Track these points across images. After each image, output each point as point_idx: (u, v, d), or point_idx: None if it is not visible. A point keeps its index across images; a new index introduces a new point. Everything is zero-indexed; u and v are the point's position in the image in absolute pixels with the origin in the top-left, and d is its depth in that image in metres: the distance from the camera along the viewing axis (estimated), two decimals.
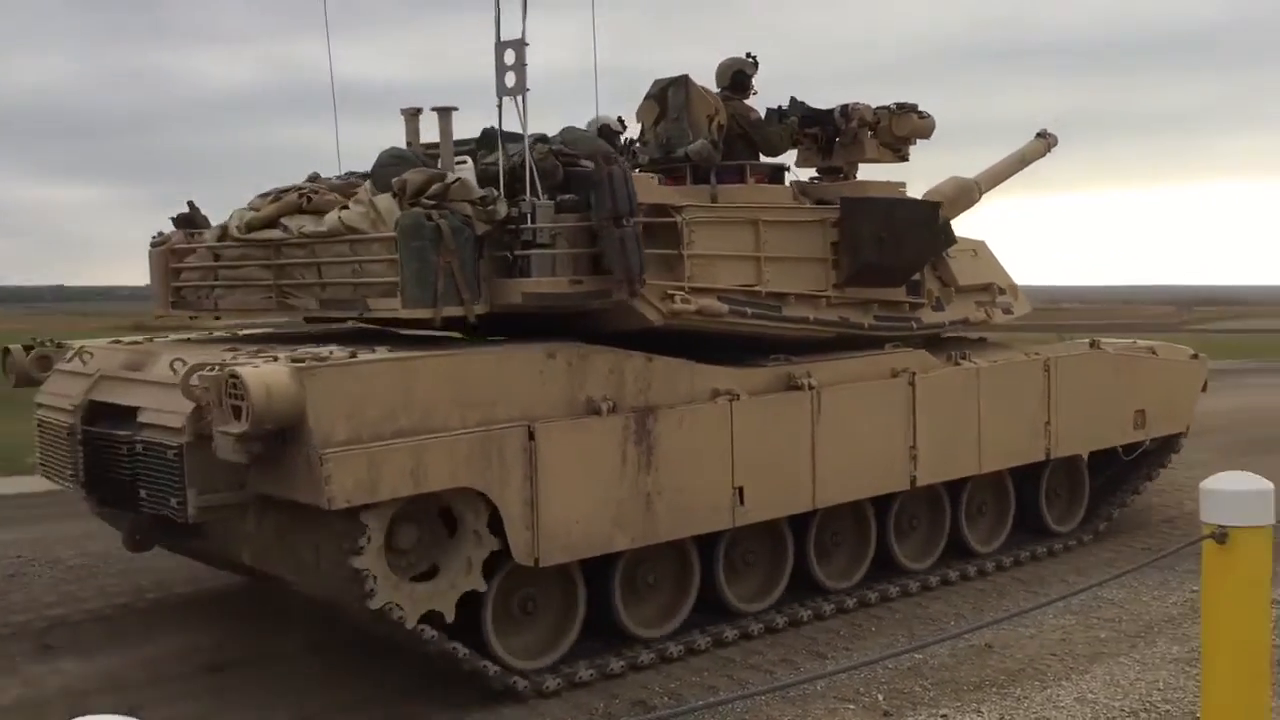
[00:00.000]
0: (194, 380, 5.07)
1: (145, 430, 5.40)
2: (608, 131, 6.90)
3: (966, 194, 8.06)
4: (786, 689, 5.35)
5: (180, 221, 7.04)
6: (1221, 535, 3.97)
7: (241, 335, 6.98)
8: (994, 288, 8.13)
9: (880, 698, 5.32)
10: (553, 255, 5.58)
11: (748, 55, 7.36)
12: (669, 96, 6.91)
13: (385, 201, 5.69)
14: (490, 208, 5.49)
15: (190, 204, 7.05)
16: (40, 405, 6.43)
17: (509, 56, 5.48)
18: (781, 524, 6.48)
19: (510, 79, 5.47)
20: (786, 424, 6.32)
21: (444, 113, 5.94)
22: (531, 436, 5.33)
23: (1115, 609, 6.58)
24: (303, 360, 4.91)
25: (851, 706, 5.24)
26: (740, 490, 6.10)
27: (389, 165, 6.01)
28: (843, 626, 6.45)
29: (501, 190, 5.55)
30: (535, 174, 5.57)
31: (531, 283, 5.56)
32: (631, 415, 5.70)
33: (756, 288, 6.44)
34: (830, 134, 7.67)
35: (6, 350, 6.92)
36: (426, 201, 5.48)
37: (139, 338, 6.87)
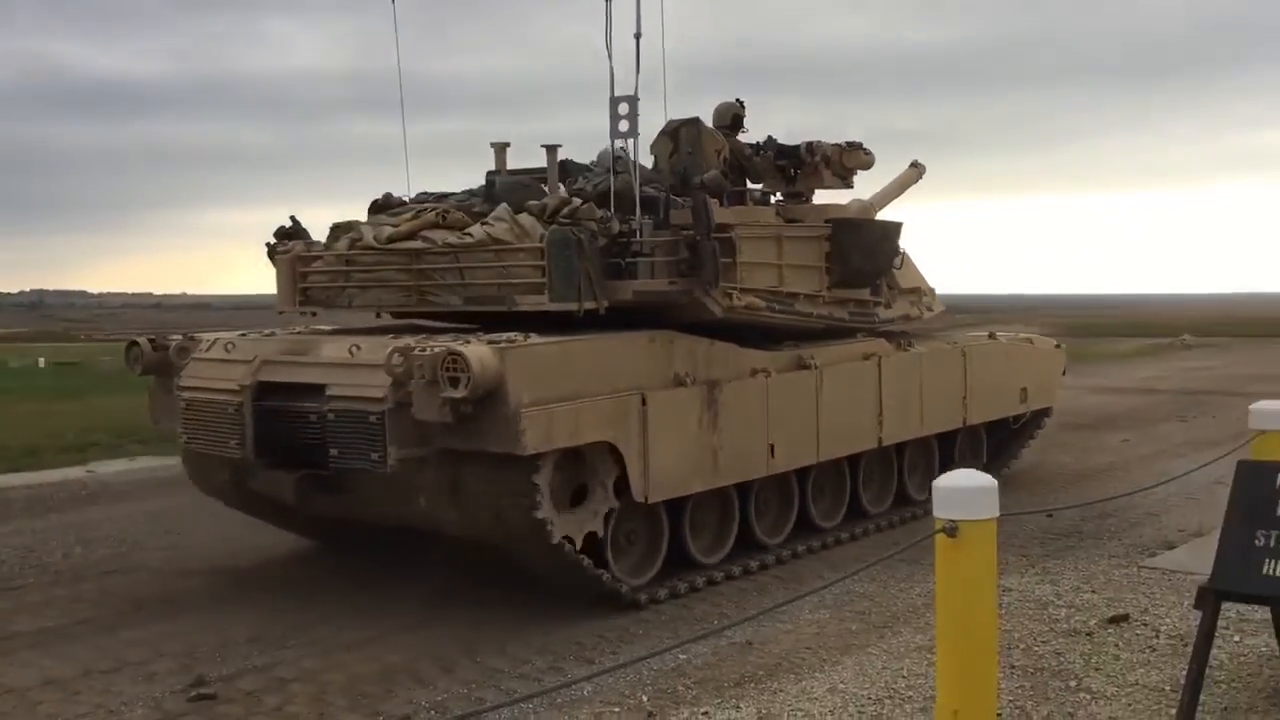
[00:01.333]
0: (395, 359, 6.32)
1: (337, 401, 6.63)
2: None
3: (867, 214, 9.61)
4: (553, 695, 5.39)
5: (283, 233, 8.39)
6: (952, 529, 4.26)
7: (377, 326, 8.27)
8: (920, 290, 10.22)
9: (645, 699, 5.43)
10: (652, 262, 7.30)
11: (737, 100, 9.15)
12: (682, 134, 8.63)
13: (526, 219, 7.23)
14: (607, 225, 7.13)
15: (293, 218, 8.50)
16: (185, 389, 7.45)
17: (623, 108, 7.15)
18: (790, 475, 8.21)
19: (624, 125, 7.17)
20: (800, 396, 8.16)
21: (551, 149, 7.71)
22: (644, 402, 6.92)
23: (866, 601, 6.92)
24: (499, 342, 6.36)
25: (617, 709, 5.33)
26: (772, 446, 7.87)
27: (513, 190, 7.75)
28: (609, 631, 6.54)
29: (613, 210, 7.22)
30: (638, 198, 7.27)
31: (640, 283, 7.24)
32: (704, 386, 7.38)
33: (779, 289, 8.23)
34: (795, 165, 9.20)
35: (134, 343, 8.01)
36: (563, 220, 7.10)
37: (274, 331, 8.02)
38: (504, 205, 7.48)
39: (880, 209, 9.90)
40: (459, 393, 6.11)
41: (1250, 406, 7.02)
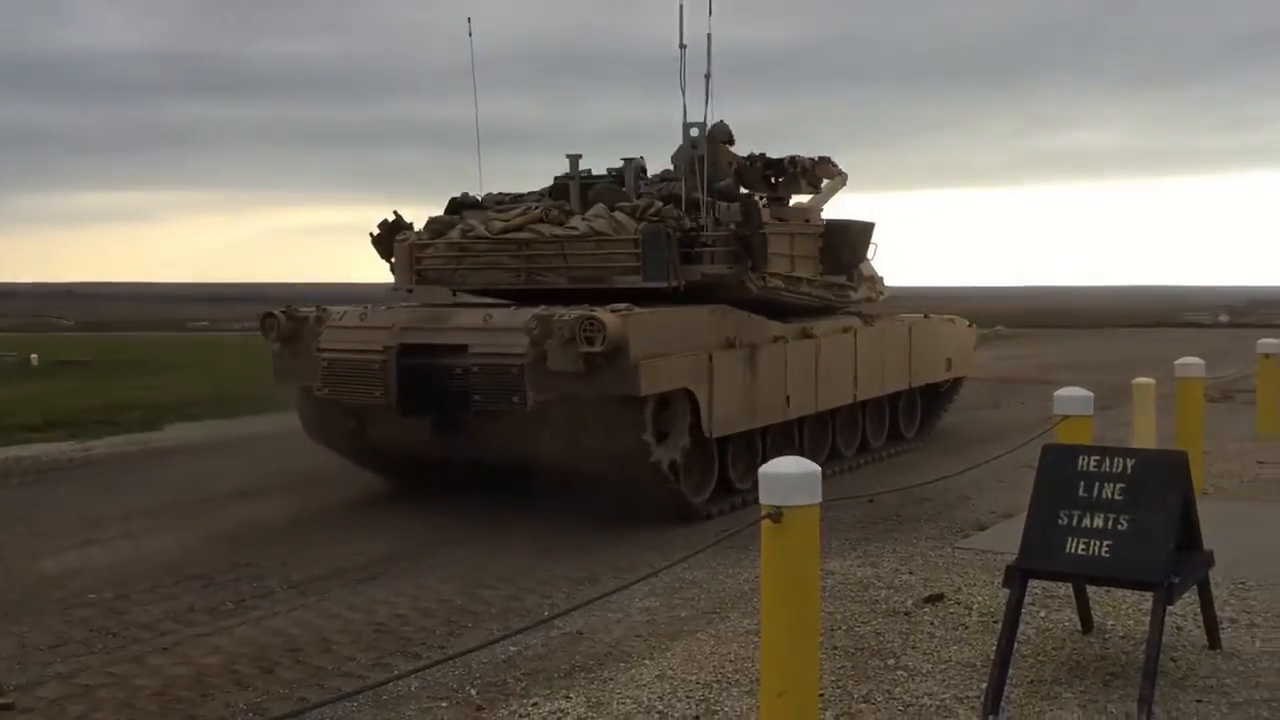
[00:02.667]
0: (533, 324, 8.35)
1: (480, 357, 8.66)
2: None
3: (815, 215, 11.44)
4: (379, 692, 5.27)
5: (387, 226, 10.56)
6: (777, 514, 4.33)
7: (488, 302, 10.21)
8: (874, 278, 12.50)
9: (474, 692, 5.36)
10: (713, 251, 9.59)
11: (722, 121, 10.65)
12: (692, 146, 10.10)
13: (622, 216, 9.45)
14: (681, 222, 9.38)
15: (396, 213, 10.60)
16: (326, 350, 9.36)
17: (693, 131, 9.82)
18: (793, 422, 10.39)
19: (694, 145, 9.79)
20: (806, 359, 10.41)
21: (628, 162, 10.33)
22: (710, 360, 9.05)
23: (695, 588, 7.00)
24: (619, 310, 8.36)
25: (444, 704, 5.24)
26: (788, 398, 10.13)
27: (605, 193, 10.00)
28: (438, 626, 6.44)
29: (684, 210, 9.52)
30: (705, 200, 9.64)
31: (705, 268, 9.53)
32: (746, 349, 9.54)
33: (792, 274, 10.61)
34: (779, 174, 10.83)
35: (270, 314, 9.70)
36: (652, 217, 9.34)
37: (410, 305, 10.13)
38: (600, 204, 9.72)
39: (819, 211, 11.64)
40: (596, 348, 8.10)
41: (1055, 393, 7.40)
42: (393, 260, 10.56)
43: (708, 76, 9.47)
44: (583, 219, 9.57)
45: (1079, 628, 5.67)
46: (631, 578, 6.80)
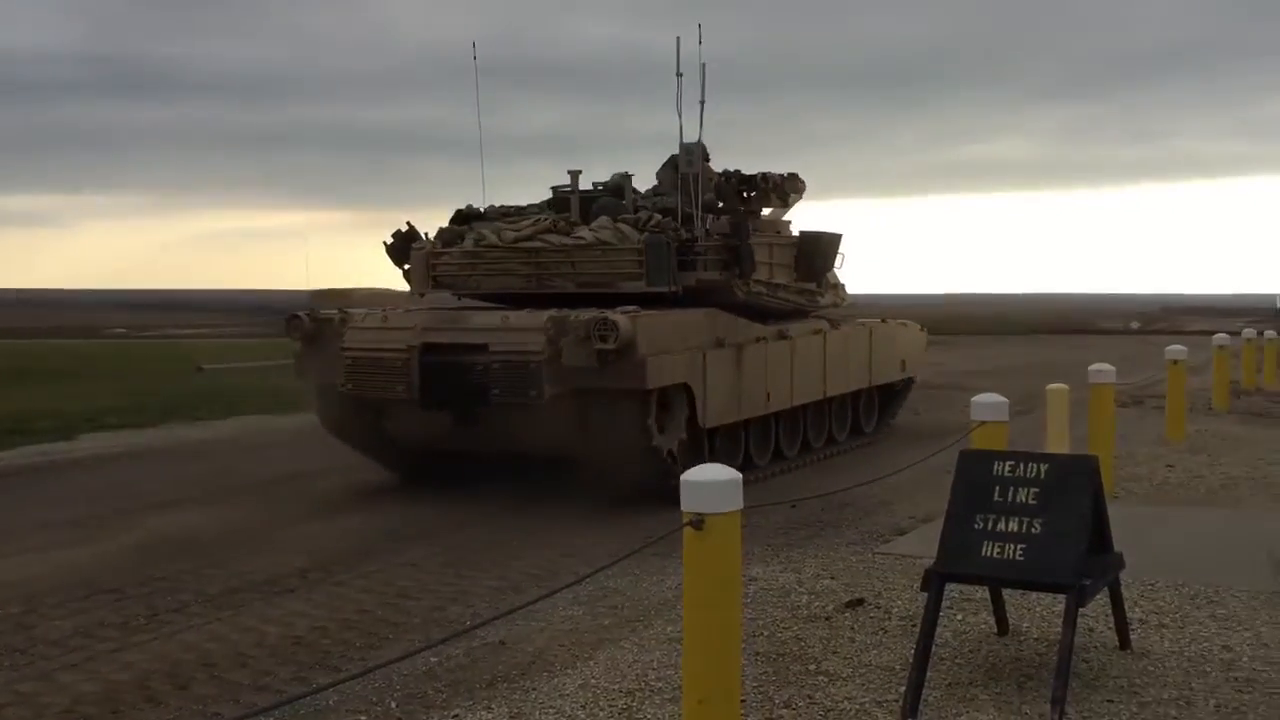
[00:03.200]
0: (549, 324, 9.33)
1: (499, 355, 9.44)
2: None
3: (782, 226, 12.56)
4: (296, 706, 5.18)
5: (400, 236, 11.54)
6: (698, 522, 4.34)
7: (499, 304, 11.05)
8: (838, 285, 13.64)
9: (393, 704, 5.29)
10: (705, 259, 10.57)
11: (700, 141, 11.17)
12: (676, 163, 11.22)
13: (625, 228, 10.53)
14: (677, 232, 10.42)
15: (409, 224, 11.62)
16: (350, 349, 10.15)
17: (689, 152, 10.83)
18: (771, 416, 11.49)
19: (689, 164, 10.77)
20: (783, 358, 11.50)
21: (627, 176, 11.45)
22: (704, 357, 10.08)
23: (620, 596, 6.99)
24: (628, 312, 9.35)
25: (364, 717, 5.17)
26: (768, 393, 11.22)
27: (608, 207, 10.99)
28: (358, 638, 6.36)
29: (679, 221, 10.58)
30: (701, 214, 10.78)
31: (699, 274, 10.53)
32: (734, 349, 10.58)
33: (771, 280, 11.65)
34: (750, 189, 12.05)
35: (296, 316, 10.56)
36: (653, 229, 10.39)
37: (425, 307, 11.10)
38: (605, 217, 10.76)
39: (787, 221, 12.74)
40: (609, 345, 9.10)
41: (972, 400, 7.52)
42: (405, 267, 11.61)
43: (701, 102, 10.52)
44: (590, 230, 10.69)
45: (995, 630, 5.77)
46: (555, 585, 6.77)
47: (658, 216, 10.62)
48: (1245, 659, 5.35)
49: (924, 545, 7.30)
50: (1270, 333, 24.44)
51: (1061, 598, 4.93)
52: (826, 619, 6.18)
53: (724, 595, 4.42)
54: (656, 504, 8.87)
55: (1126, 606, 5.68)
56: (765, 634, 5.93)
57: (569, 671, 5.59)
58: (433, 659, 5.84)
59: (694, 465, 9.43)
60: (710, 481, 4.36)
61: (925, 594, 5.04)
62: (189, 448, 13.90)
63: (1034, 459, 5.16)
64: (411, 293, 11.58)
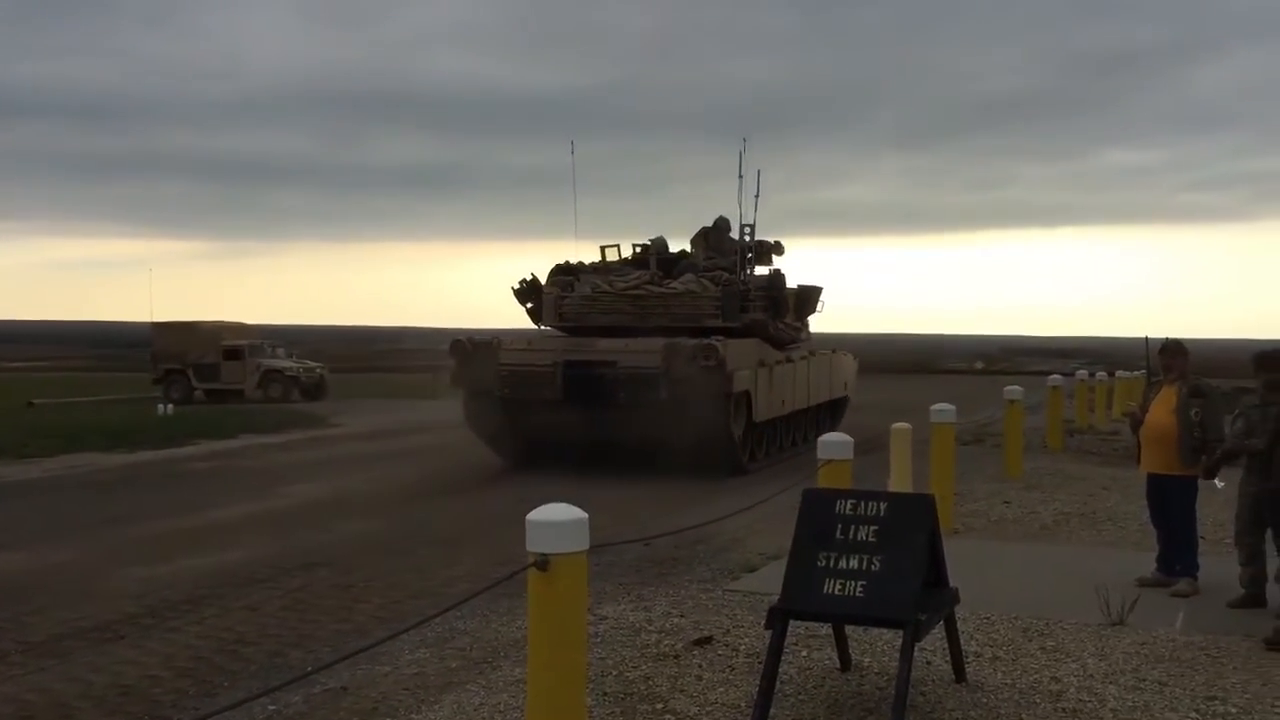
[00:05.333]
0: (665, 348, 13.83)
1: (625, 369, 13.85)
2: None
3: (780, 280, 17.31)
4: None
5: (525, 284, 16.46)
6: (543, 562, 4.31)
7: (599, 337, 15.05)
8: (806, 322, 18.62)
9: None
10: (753, 304, 15.57)
11: (723, 215, 17.17)
12: (710, 234, 17.04)
13: (705, 280, 15.71)
14: (737, 284, 15.61)
15: (533, 274, 16.49)
16: (507, 365, 14.41)
17: (740, 222, 16.43)
18: (778, 419, 16.24)
19: (740, 233, 16.50)
20: (789, 376, 16.25)
21: (700, 235, 17.41)
22: (755, 373, 14.85)
23: (468, 637, 6.87)
24: (719, 340, 14.02)
25: None
26: (783, 400, 15.92)
27: (689, 267, 16.27)
28: (192, 686, 6.09)
29: (739, 274, 16.10)
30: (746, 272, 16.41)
31: (750, 316, 15.50)
32: (769, 367, 15.44)
33: (782, 320, 16.52)
34: (753, 252, 16.53)
35: (458, 340, 14.76)
36: (725, 283, 15.61)
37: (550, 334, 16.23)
38: (689, 274, 15.94)
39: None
40: (710, 363, 13.61)
41: (819, 439, 7.68)
42: (528, 306, 16.48)
43: (757, 195, 16.10)
44: (679, 283, 15.80)
45: (838, 666, 5.87)
46: (401, 627, 6.63)
47: (724, 273, 15.87)
48: (1072, 690, 5.56)
49: (773, 582, 7.37)
50: (1102, 374, 25.59)
51: (901, 632, 5.04)
52: (675, 657, 6.19)
53: (569, 636, 4.39)
54: (519, 540, 8.77)
55: (963, 639, 5.85)
56: (614, 673, 5.91)
57: (413, 717, 5.45)
58: (270, 707, 5.63)
59: (751, 450, 15.34)
60: (556, 521, 4.32)
61: (770, 631, 5.09)
62: (12, 487, 13.18)
63: (874, 498, 5.29)
64: (543, 326, 16.55)
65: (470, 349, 14.54)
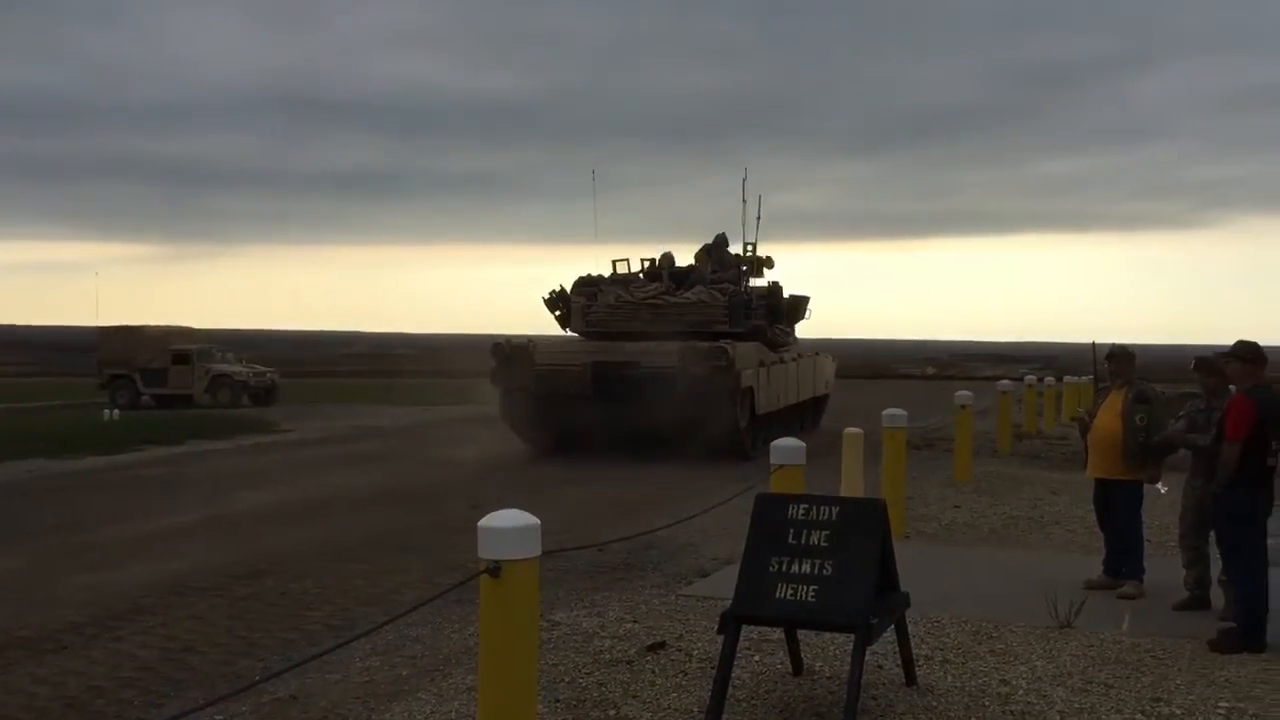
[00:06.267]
0: (680, 349, 16.19)
1: (648, 368, 16.04)
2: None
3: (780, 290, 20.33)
4: None
5: (554, 294, 18.70)
6: (495, 569, 4.28)
7: (597, 341, 17.64)
8: (794, 328, 20.68)
9: None
10: (755, 311, 18.34)
11: (723, 232, 19.77)
12: (711, 250, 19.23)
13: (714, 291, 18.00)
14: (742, 294, 18.23)
15: (561, 286, 18.77)
16: (542, 364, 16.56)
17: (748, 245, 19.63)
18: (775, 413, 18.07)
19: (743, 249, 19.72)
20: (784, 374, 18.59)
21: (705, 250, 19.58)
22: (757, 372, 17.04)
23: (419, 645, 6.82)
24: (728, 344, 16.37)
25: None
26: (778, 396, 18.12)
27: (699, 280, 18.52)
28: (137, 697, 5.99)
29: (740, 286, 18.78)
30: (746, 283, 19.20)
31: (753, 322, 18.21)
32: (767, 367, 17.67)
33: (778, 325, 19.39)
34: (748, 265, 19.20)
35: (499, 343, 16.75)
36: (732, 293, 18.10)
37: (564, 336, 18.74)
38: (700, 286, 18.03)
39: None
40: (721, 363, 15.77)
41: (771, 444, 7.70)
42: (557, 313, 18.74)
43: (759, 218, 19.40)
44: (692, 293, 18.05)
45: (791, 670, 5.89)
46: (351, 635, 6.56)
47: (730, 285, 18.26)
48: (1020, 692, 5.62)
49: (726, 587, 7.37)
50: (1050, 379, 25.88)
51: (853, 636, 5.07)
52: (628, 663, 6.17)
53: (521, 643, 4.36)
54: (471, 546, 8.72)
55: (913, 643, 5.89)
56: (567, 680, 5.89)
57: None
58: (217, 717, 5.54)
59: (753, 439, 17.25)
60: (507, 528, 4.30)
61: (723, 636, 5.09)
62: None
63: (826, 502, 5.31)
64: (572, 332, 18.69)
65: (509, 351, 16.62)
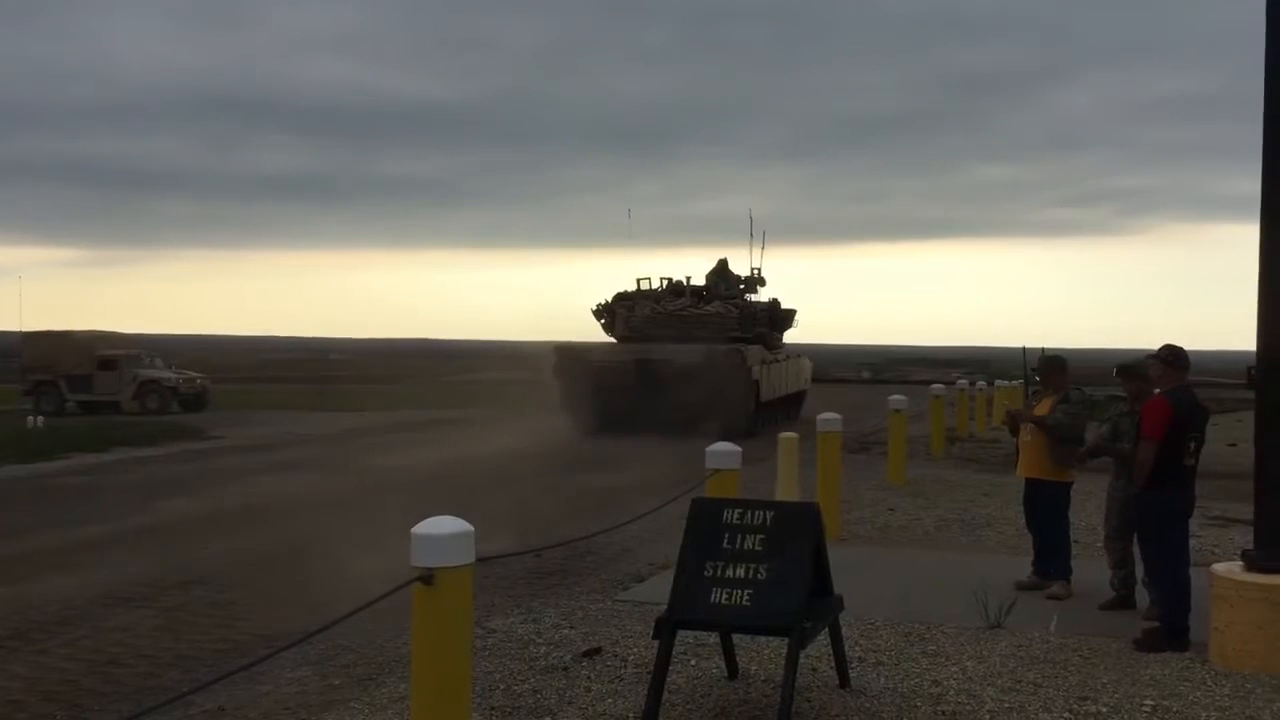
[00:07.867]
0: (707, 349, 22.22)
1: (680, 365, 21.52)
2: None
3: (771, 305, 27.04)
4: None
5: (601, 305, 25.36)
6: (429, 577, 4.24)
7: (638, 344, 23.46)
8: (782, 334, 27.02)
9: None
10: (759, 320, 25.24)
11: (725, 257, 26.67)
12: (720, 272, 25.83)
13: (729, 305, 24.80)
14: (749, 307, 25.58)
15: (607, 299, 25.67)
16: (596, 361, 22.59)
17: (754, 268, 26.93)
18: (771, 402, 24.31)
19: (753, 274, 26.97)
20: (780, 371, 24.85)
21: (717, 272, 26.47)
22: (761, 368, 23.12)
23: (352, 654, 6.74)
24: (741, 347, 22.87)
25: None
26: (776, 388, 24.30)
27: (716, 296, 25.21)
28: (59, 710, 5.84)
29: (747, 299, 26.28)
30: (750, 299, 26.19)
31: (757, 329, 24.83)
32: (767, 365, 23.74)
33: (773, 333, 26.19)
34: (745, 283, 25.97)
35: (559, 345, 23.03)
36: (744, 307, 25.22)
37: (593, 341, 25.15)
38: (718, 301, 24.52)
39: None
40: (739, 362, 21.84)
41: (707, 449, 7.73)
42: (602, 321, 24.73)
43: (763, 233, 25.88)
44: (711, 307, 23.77)
45: (726, 674, 5.90)
46: (281, 645, 6.46)
47: (742, 301, 24.30)
48: (951, 693, 5.68)
49: (661, 592, 7.37)
50: (981, 383, 26.29)
51: (787, 640, 5.09)
52: (564, 669, 6.15)
53: (454, 651, 4.34)
54: (405, 553, 8.59)
55: (847, 646, 5.94)
56: (502, 687, 5.85)
57: None
58: None
59: (757, 424, 22.60)
60: (441, 535, 4.26)
61: (658, 641, 5.09)
62: None
63: (761, 506, 5.34)
64: (616, 338, 24.45)
65: (571, 352, 22.32)
